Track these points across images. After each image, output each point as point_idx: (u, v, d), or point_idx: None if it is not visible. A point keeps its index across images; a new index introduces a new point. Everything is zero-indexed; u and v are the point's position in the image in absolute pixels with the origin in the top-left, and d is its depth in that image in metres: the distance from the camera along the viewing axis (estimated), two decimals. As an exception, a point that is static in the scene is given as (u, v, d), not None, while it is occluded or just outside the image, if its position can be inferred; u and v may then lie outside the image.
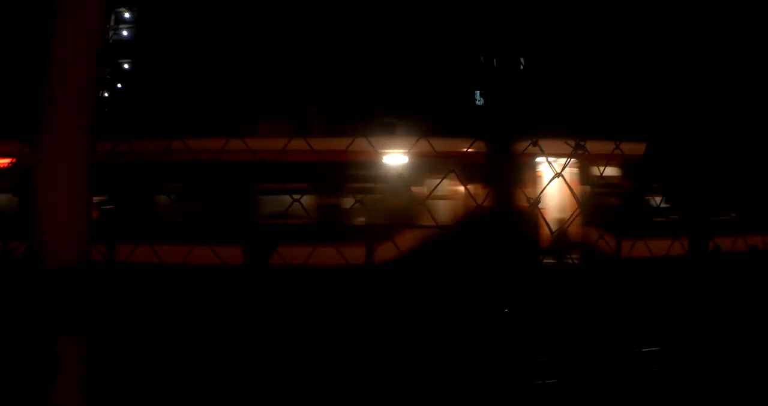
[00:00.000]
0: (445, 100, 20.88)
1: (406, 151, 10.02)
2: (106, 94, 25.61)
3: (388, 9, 20.41)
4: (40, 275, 1.42)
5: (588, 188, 10.95)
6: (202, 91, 19.83)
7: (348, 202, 10.46)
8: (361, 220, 10.90)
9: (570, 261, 10.17)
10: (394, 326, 7.56)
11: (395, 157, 10.89)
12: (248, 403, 4.87)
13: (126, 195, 10.64)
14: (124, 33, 28.33)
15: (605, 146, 8.83)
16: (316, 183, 10.42)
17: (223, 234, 8.75)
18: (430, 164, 9.95)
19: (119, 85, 26.07)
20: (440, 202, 10.60)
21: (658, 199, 11.43)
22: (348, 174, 10.56)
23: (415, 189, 10.71)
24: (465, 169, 8.12)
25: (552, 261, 10.29)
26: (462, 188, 10.19)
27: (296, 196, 7.44)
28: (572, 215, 10.28)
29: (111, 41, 26.50)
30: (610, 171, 11.31)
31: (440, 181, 10.01)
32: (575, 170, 11.04)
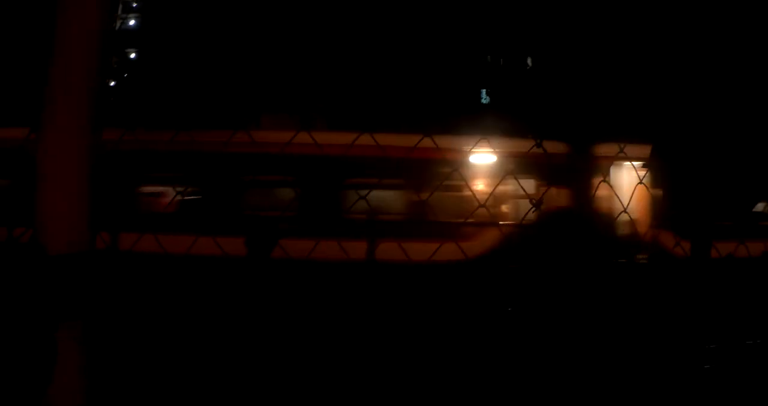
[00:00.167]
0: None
1: (492, 150, 10.29)
2: (113, 83, 25.61)
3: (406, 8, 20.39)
4: (40, 263, 1.41)
5: (659, 191, 11.11)
6: (210, 83, 19.83)
7: (437, 199, 10.73)
8: (448, 217, 11.17)
9: (640, 261, 10.32)
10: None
11: (481, 157, 11.21)
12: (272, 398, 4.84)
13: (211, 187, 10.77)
14: (131, 22, 28.31)
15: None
16: (408, 180, 10.69)
17: (317, 228, 9.03)
18: (513, 164, 10.18)
19: (125, 75, 26.05)
20: (521, 201, 10.90)
21: (728, 201, 11.62)
22: (437, 172, 10.79)
23: (500, 188, 10.96)
24: (545, 169, 8.36)
25: (624, 261, 10.43)
26: (545, 188, 10.36)
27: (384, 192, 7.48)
28: (643, 216, 10.46)
29: (118, 29, 26.48)
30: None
31: (499, 182, 10.27)
32: (645, 172, 11.16)
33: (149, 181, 11.25)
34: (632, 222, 10.62)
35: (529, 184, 10.61)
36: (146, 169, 11.07)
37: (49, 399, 1.39)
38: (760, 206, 12.85)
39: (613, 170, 11.17)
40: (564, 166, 9.86)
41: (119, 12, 27.92)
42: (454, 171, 10.06)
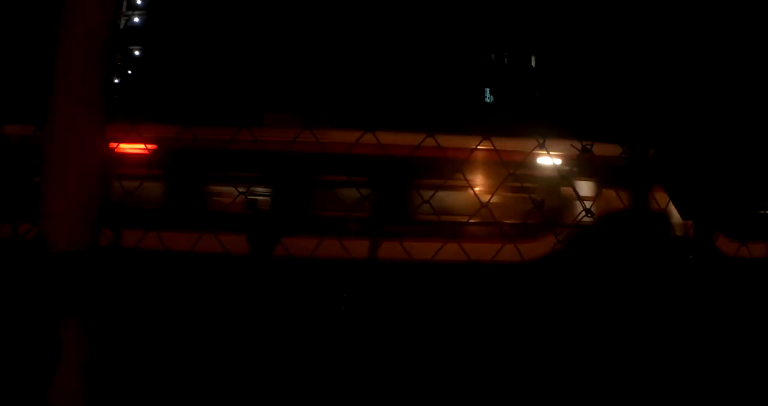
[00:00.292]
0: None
1: (560, 153, 10.52)
2: (117, 81, 25.63)
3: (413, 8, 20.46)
4: (42, 259, 1.42)
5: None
6: (213, 80, 19.82)
7: (513, 200, 11.09)
8: (520, 218, 11.52)
9: (691, 259, 10.49)
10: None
11: (549, 159, 11.54)
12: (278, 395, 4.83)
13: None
14: (136, 19, 28.33)
15: None
16: (471, 180, 11.00)
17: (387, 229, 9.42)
18: (580, 166, 10.44)
19: (129, 72, 26.09)
20: (578, 203, 11.21)
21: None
22: (514, 174, 11.14)
23: (565, 190, 11.26)
24: (605, 171, 8.55)
25: (680, 260, 10.63)
26: (604, 189, 10.61)
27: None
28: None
29: (123, 27, 26.52)
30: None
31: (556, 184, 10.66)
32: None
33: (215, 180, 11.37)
34: (683, 222, 10.82)
35: (589, 187, 10.87)
36: (211, 167, 11.18)
37: (50, 399, 1.40)
38: None
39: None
40: (621, 168, 10.10)
41: (123, 9, 27.94)
42: (518, 173, 10.43)
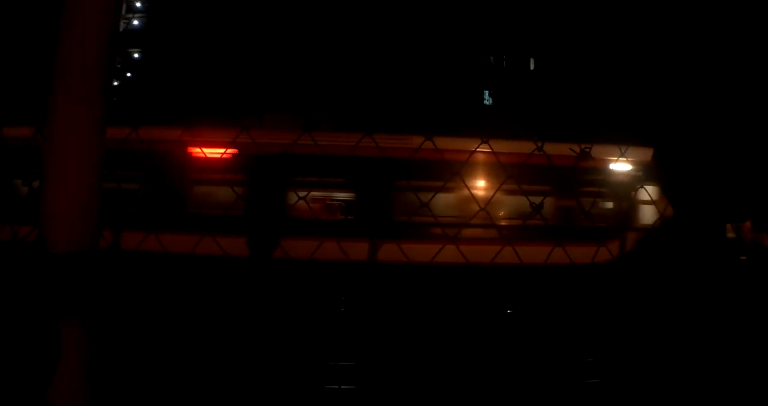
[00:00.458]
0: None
1: (627, 159, 10.73)
2: (116, 83, 25.64)
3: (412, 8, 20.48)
4: (43, 260, 1.42)
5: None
6: (212, 82, 19.82)
7: (582, 204, 11.36)
8: (589, 221, 11.79)
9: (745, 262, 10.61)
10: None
11: (617, 165, 11.80)
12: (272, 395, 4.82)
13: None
14: (135, 22, 28.34)
15: None
16: (556, 186, 11.23)
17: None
18: (645, 172, 10.67)
19: (129, 74, 26.09)
20: (647, 207, 11.46)
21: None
22: (581, 179, 11.38)
23: (633, 194, 11.51)
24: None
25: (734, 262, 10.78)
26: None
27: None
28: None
29: (123, 30, 26.53)
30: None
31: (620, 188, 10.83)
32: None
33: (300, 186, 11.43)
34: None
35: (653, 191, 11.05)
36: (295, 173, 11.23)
37: (50, 399, 1.40)
38: None
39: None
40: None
41: (123, 12, 27.95)
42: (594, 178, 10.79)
